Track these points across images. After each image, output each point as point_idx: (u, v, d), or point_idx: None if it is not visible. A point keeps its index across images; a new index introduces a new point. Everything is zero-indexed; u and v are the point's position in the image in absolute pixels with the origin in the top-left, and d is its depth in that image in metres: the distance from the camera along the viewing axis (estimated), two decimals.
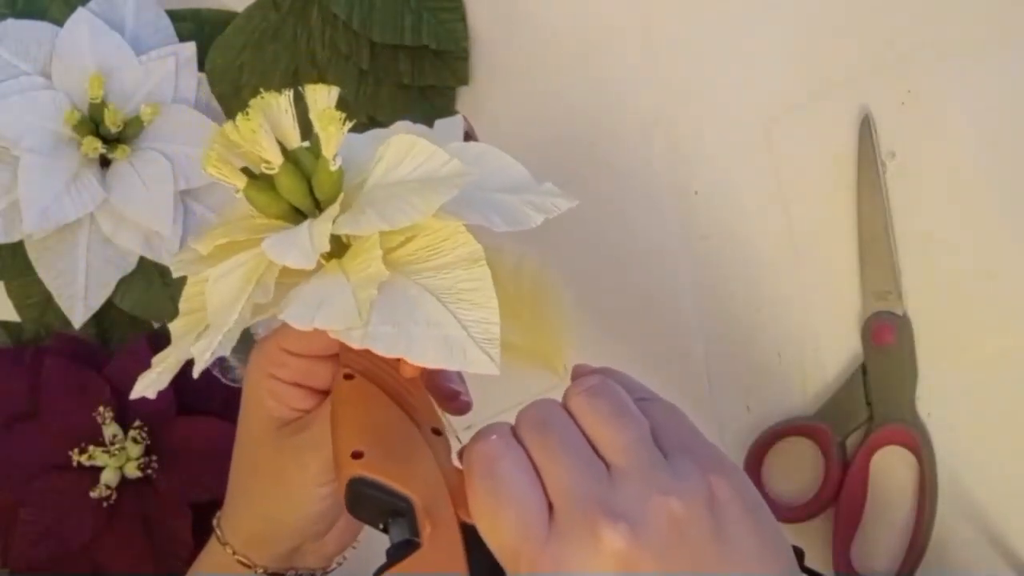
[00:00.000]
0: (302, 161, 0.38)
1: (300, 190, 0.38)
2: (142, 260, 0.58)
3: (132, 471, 0.57)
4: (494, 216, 0.37)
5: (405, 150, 0.37)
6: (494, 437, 0.36)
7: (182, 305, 0.40)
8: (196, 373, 0.36)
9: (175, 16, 0.60)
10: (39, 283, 0.58)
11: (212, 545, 0.48)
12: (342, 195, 0.37)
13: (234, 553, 0.46)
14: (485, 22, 0.60)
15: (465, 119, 0.62)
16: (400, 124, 0.43)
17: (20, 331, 0.61)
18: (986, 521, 0.52)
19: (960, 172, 0.53)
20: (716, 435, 0.56)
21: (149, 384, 0.39)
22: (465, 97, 0.61)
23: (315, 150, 0.38)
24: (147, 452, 0.57)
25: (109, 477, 0.57)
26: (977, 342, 0.52)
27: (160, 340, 0.59)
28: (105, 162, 0.58)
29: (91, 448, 0.56)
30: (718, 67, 0.57)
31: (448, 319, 0.35)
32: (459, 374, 0.46)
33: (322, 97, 0.37)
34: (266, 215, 0.38)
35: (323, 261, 0.38)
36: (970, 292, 0.53)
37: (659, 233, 0.58)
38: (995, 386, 0.52)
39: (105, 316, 0.60)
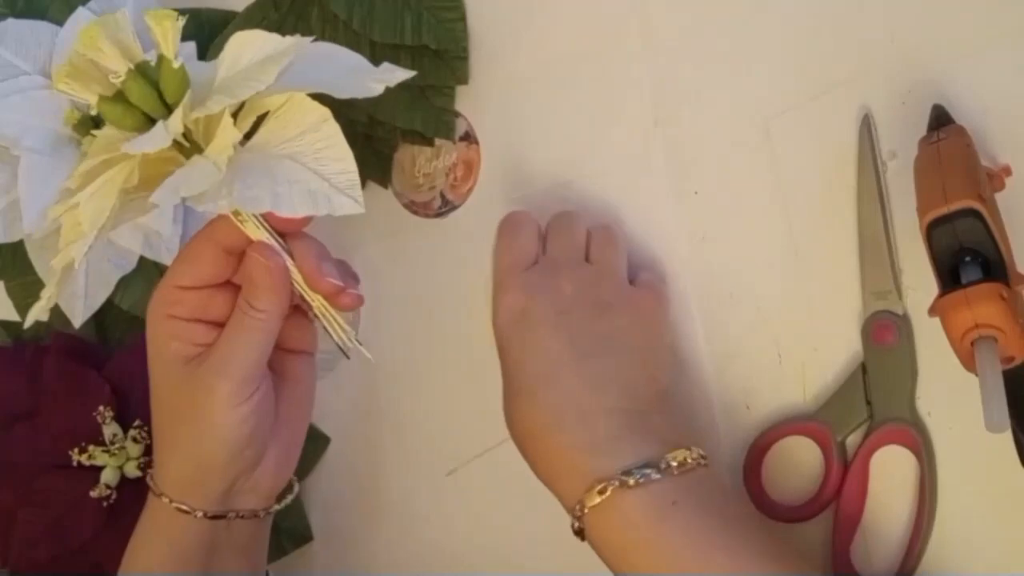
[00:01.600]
0: (148, 72, 0.40)
1: (150, 96, 0.40)
2: (142, 260, 0.58)
3: (132, 471, 0.57)
4: (335, 85, 0.40)
5: (242, 43, 0.41)
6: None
7: (61, 245, 0.42)
8: (76, 265, 0.39)
9: None
10: (39, 283, 0.58)
11: (150, 502, 0.49)
12: (190, 91, 0.39)
13: (171, 501, 0.47)
14: (485, 22, 0.60)
15: (465, 119, 0.62)
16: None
17: (20, 331, 0.61)
18: (986, 521, 0.52)
19: None
20: (716, 435, 0.56)
21: (38, 310, 0.41)
22: (465, 97, 0.61)
23: (159, 60, 0.40)
24: (147, 452, 0.57)
25: (109, 477, 0.57)
26: None
27: None
28: None
29: (91, 448, 0.56)
30: (718, 67, 0.57)
31: (309, 175, 0.38)
32: (341, 270, 0.48)
33: (158, 11, 0.40)
34: (121, 128, 0.40)
35: (184, 160, 0.41)
36: None
37: (659, 233, 0.58)
38: None
39: (105, 316, 0.60)
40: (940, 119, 0.51)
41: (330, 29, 0.59)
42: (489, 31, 0.60)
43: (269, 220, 0.44)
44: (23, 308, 0.60)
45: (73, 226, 0.41)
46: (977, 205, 0.46)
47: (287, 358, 0.50)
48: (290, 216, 0.39)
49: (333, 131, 0.39)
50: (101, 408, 0.57)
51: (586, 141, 0.59)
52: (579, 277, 0.52)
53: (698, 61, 0.57)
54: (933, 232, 0.47)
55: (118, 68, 0.39)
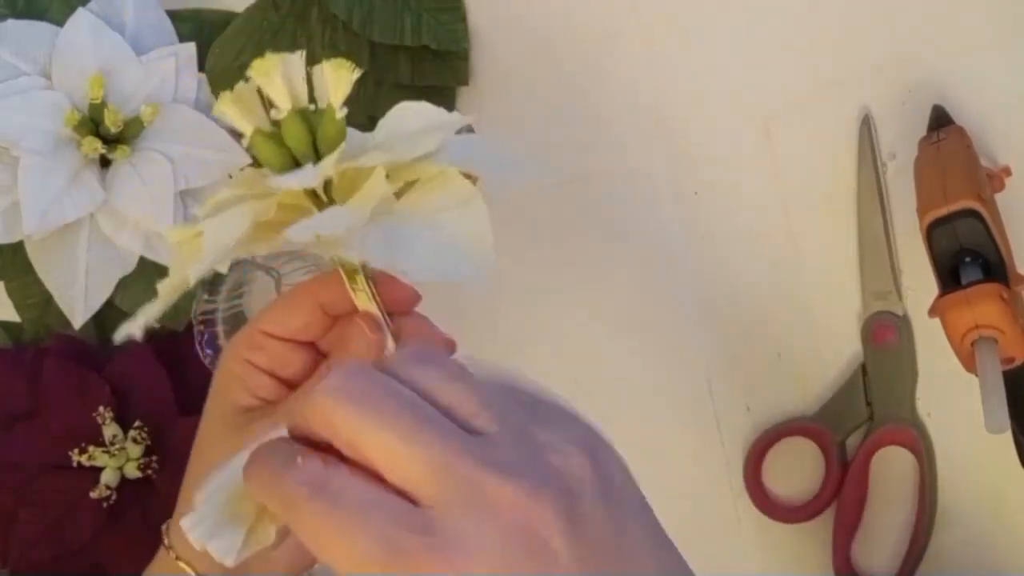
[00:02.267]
0: (308, 116, 0.39)
1: (305, 140, 0.39)
2: (142, 260, 0.58)
3: (132, 471, 0.57)
4: (491, 168, 0.39)
5: (406, 110, 0.40)
6: (299, 460, 0.30)
7: (172, 268, 0.41)
8: (193, 280, 0.37)
9: (175, 16, 0.60)
10: (39, 283, 0.58)
11: (160, 552, 0.46)
12: (344, 146, 0.39)
13: (177, 558, 0.45)
14: (485, 22, 0.60)
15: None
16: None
17: (20, 331, 0.61)
18: (986, 521, 0.52)
19: None
20: (716, 435, 0.56)
21: (133, 327, 0.39)
22: (465, 97, 0.61)
23: (323, 107, 0.39)
24: (147, 452, 0.57)
25: (109, 477, 0.57)
26: None
27: (160, 340, 0.59)
28: (105, 162, 0.58)
29: (91, 448, 0.56)
30: (718, 67, 0.57)
31: (446, 250, 0.37)
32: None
33: (337, 60, 0.39)
34: (269, 166, 0.39)
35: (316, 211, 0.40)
36: None
37: (659, 233, 0.58)
38: None
39: (105, 316, 0.59)
40: (940, 119, 0.51)
41: (330, 30, 0.59)
42: (489, 31, 0.60)
43: (383, 291, 0.42)
44: (23, 309, 0.60)
45: (193, 250, 0.40)
46: (977, 205, 0.46)
47: None
48: (411, 280, 0.38)
49: (479, 211, 0.38)
50: (101, 409, 0.57)
51: (586, 141, 0.59)
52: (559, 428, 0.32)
53: (698, 61, 0.57)
54: (933, 232, 0.47)
55: (282, 104, 0.39)
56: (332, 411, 0.29)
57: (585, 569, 0.29)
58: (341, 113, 0.39)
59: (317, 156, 0.39)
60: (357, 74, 0.38)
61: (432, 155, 0.39)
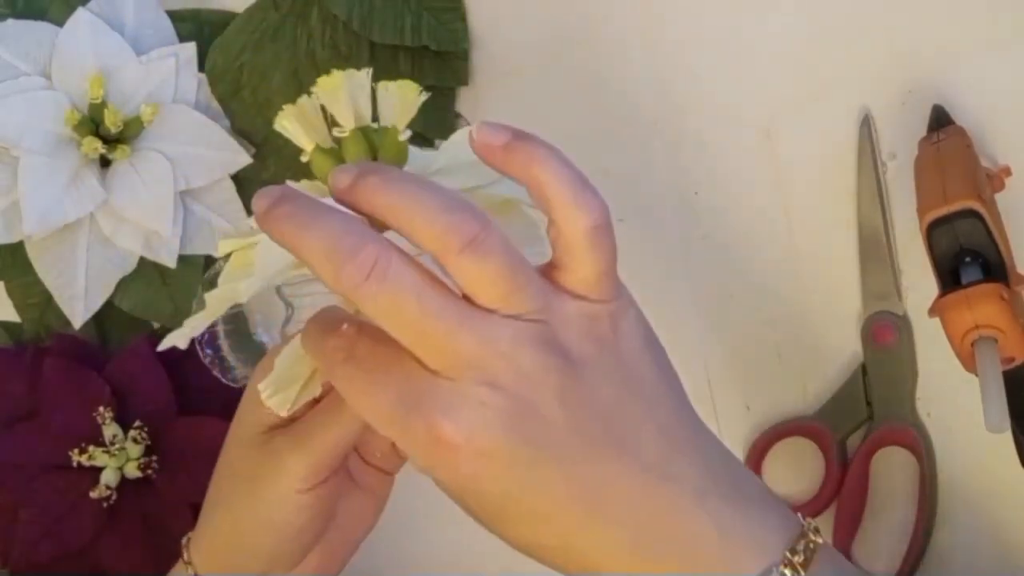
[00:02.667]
0: (370, 136, 0.38)
1: (365, 159, 0.38)
2: (142, 260, 0.58)
3: (132, 471, 0.57)
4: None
5: (467, 136, 0.39)
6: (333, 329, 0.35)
7: (221, 279, 0.40)
8: (245, 297, 0.36)
9: (175, 16, 0.60)
10: (39, 283, 0.58)
11: (177, 566, 0.46)
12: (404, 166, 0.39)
13: (195, 574, 0.44)
14: (485, 22, 0.60)
15: (465, 119, 0.62)
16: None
17: (20, 331, 0.61)
18: (986, 521, 0.52)
19: None
20: (716, 435, 0.56)
21: (179, 336, 0.38)
22: (465, 97, 0.61)
23: (386, 128, 0.39)
24: (147, 452, 0.57)
25: (109, 477, 0.57)
26: None
27: (160, 340, 0.59)
28: (105, 162, 0.58)
29: (91, 448, 0.56)
30: (718, 67, 0.57)
31: None
32: None
33: (404, 82, 0.38)
34: (326, 182, 0.38)
35: None
36: None
37: (659, 233, 0.58)
38: None
39: (105, 316, 0.60)
40: (940, 119, 0.51)
41: (330, 30, 0.59)
42: (489, 31, 0.60)
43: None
44: (23, 309, 0.60)
45: (243, 263, 0.39)
46: (977, 205, 0.46)
47: (368, 469, 0.46)
48: None
49: (544, 250, 0.38)
50: (101, 409, 0.57)
51: (586, 141, 0.59)
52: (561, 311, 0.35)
53: (698, 61, 0.57)
54: (933, 232, 0.47)
55: (345, 123, 0.38)
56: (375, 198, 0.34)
57: (583, 442, 0.33)
58: (404, 135, 0.38)
59: None
60: (423, 97, 0.38)
61: (496, 184, 0.38)
